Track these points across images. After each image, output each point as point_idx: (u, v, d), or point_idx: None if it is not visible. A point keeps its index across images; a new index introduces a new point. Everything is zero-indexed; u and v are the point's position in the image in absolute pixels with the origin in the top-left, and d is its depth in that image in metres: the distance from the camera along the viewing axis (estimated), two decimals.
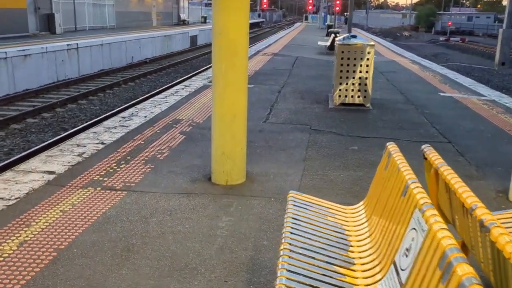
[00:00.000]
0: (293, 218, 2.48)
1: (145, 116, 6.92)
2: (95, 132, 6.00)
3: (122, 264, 2.94)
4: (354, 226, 2.59)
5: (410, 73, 13.23)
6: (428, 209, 1.82)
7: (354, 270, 2.17)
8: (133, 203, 3.89)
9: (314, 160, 5.16)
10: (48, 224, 3.46)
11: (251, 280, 2.81)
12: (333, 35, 18.94)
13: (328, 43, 19.00)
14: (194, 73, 17.08)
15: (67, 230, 3.37)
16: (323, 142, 5.88)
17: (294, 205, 2.64)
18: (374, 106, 8.10)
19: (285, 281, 1.95)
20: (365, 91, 7.91)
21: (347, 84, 7.90)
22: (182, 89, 9.46)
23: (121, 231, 3.39)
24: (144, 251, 3.12)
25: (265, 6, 64.82)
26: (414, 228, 1.88)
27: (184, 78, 15.79)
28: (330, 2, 49.00)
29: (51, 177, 4.40)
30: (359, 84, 7.87)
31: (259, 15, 72.90)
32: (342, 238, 2.44)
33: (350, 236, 2.49)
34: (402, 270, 1.85)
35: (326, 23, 37.96)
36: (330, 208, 2.76)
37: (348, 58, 7.78)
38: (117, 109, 10.90)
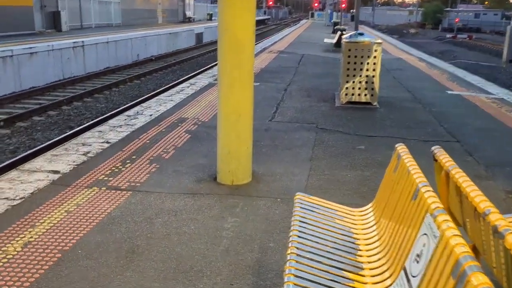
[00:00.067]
0: (300, 221, 2.43)
1: (151, 115, 6.89)
2: (101, 131, 5.97)
3: (127, 266, 2.91)
4: (363, 229, 2.54)
5: (417, 70, 13.13)
6: (440, 214, 1.77)
7: (363, 275, 2.12)
8: (138, 203, 3.86)
9: (320, 159, 5.11)
10: (52, 224, 3.44)
11: (257, 283, 2.77)
12: (339, 32, 18.84)
13: (335, 41, 18.90)
14: (200, 70, 17.04)
15: (72, 231, 3.35)
16: (329, 141, 5.82)
17: (301, 207, 2.59)
18: (381, 104, 8.03)
19: (292, 287, 1.91)
20: (372, 89, 7.84)
21: (354, 82, 7.83)
22: (188, 87, 9.42)
23: (126, 232, 3.35)
24: (149, 252, 3.09)
25: (271, 3, 64.68)
26: (426, 234, 1.83)
27: (189, 76, 15.76)
28: None
29: (56, 176, 4.38)
30: (366, 82, 7.80)
31: (264, 12, 72.76)
32: (350, 242, 2.39)
33: (359, 239, 2.44)
34: (413, 276, 1.80)
35: (332, 20, 37.81)
36: (337, 210, 2.72)
37: (355, 56, 7.71)
38: (123, 107, 10.88)
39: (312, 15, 63.31)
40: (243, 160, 4.32)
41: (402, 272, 1.93)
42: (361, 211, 2.77)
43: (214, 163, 4.61)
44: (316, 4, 62.26)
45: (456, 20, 58.52)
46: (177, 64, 19.88)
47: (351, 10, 57.68)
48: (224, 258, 3.02)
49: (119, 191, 4.08)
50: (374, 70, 7.73)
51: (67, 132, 8.88)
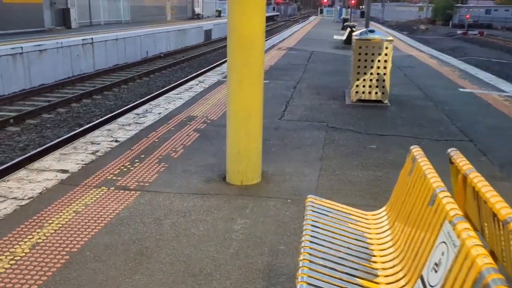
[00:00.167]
0: (312, 226, 2.37)
1: (159, 113, 6.86)
2: (109, 130, 5.94)
3: (136, 269, 2.87)
4: (376, 233, 2.47)
5: (428, 68, 12.97)
6: (459, 222, 1.70)
7: (377, 283, 2.06)
8: (147, 203, 3.82)
9: (331, 159, 5.04)
10: (61, 225, 3.40)
11: None
12: (349, 29, 18.69)
13: (344, 37, 18.75)
14: (209, 68, 17.01)
15: (80, 232, 3.31)
16: (340, 140, 5.74)
17: (313, 211, 2.53)
18: (392, 102, 7.92)
19: None
20: (383, 87, 7.74)
21: (364, 80, 7.73)
22: (197, 84, 9.38)
23: (135, 234, 3.31)
24: (158, 255, 3.04)
25: None
26: (444, 242, 1.76)
27: (198, 73, 15.72)
28: None
29: (65, 176, 4.35)
30: (377, 80, 7.70)
31: (273, 9, 72.55)
32: (364, 247, 2.33)
33: (372, 244, 2.38)
34: (431, 286, 1.73)
35: (341, 17, 37.58)
36: (350, 214, 2.65)
37: (366, 54, 7.61)
38: (132, 105, 10.87)
39: (321, 12, 63.02)
40: (252, 160, 4.26)
41: (419, 281, 1.86)
42: (374, 215, 2.70)
43: (223, 162, 4.56)
44: (325, 1, 61.93)
45: (467, 16, 57.89)
46: (186, 61, 19.85)
47: (361, 7, 57.29)
48: (234, 261, 2.97)
49: (128, 191, 4.04)
50: (385, 67, 7.63)
51: (76, 130, 8.88)
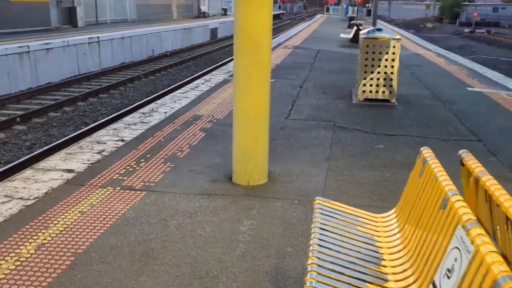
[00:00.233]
0: (320, 229, 2.33)
1: (165, 112, 6.83)
2: (115, 129, 5.92)
3: (141, 271, 2.84)
4: (386, 237, 2.43)
5: (436, 66, 12.87)
6: (473, 228, 1.65)
7: None
8: (153, 204, 3.79)
9: (338, 159, 4.99)
10: (66, 226, 3.38)
11: None
12: (355, 27, 18.58)
13: (351, 36, 18.66)
14: (214, 66, 16.97)
15: (85, 233, 3.29)
16: (347, 140, 5.69)
17: (321, 213, 2.49)
18: (400, 101, 7.85)
19: None
20: (391, 86, 7.67)
21: (371, 79, 7.67)
22: (203, 83, 9.35)
23: (140, 235, 3.29)
24: (163, 256, 3.01)
25: None
26: (457, 247, 1.71)
27: (204, 71, 15.69)
28: None
29: (70, 175, 4.33)
30: (384, 79, 7.64)
31: (279, 7, 72.38)
32: (373, 251, 2.28)
33: (382, 248, 2.33)
34: None
35: (347, 15, 37.42)
36: (359, 216, 2.61)
37: (373, 52, 7.55)
38: (137, 104, 10.86)
39: (327, 10, 62.81)
40: (259, 160, 4.22)
41: (431, 287, 1.82)
42: (383, 217, 2.65)
43: (230, 162, 4.53)
44: None
45: (475, 14, 57.48)
46: (191, 59, 19.83)
47: (367, 5, 57.04)
48: (241, 264, 2.93)
49: (134, 191, 4.02)
50: (392, 66, 7.56)
51: (82, 129, 8.88)
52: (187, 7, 38.56)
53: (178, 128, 6.02)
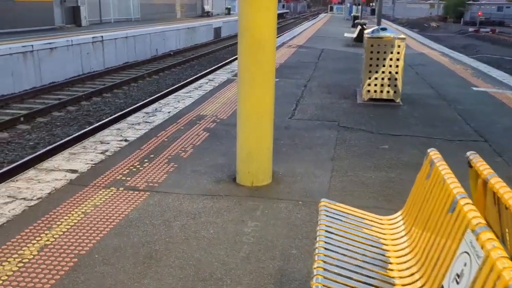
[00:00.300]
0: (326, 231, 2.30)
1: (169, 112, 6.81)
2: (119, 129, 5.91)
3: (145, 273, 2.82)
4: (392, 239, 2.40)
5: (440, 66, 12.80)
6: (483, 232, 1.62)
7: None
8: (156, 204, 3.76)
9: (343, 159, 4.95)
10: (69, 227, 3.36)
11: None
12: (359, 26, 18.52)
13: (355, 35, 18.59)
14: (218, 65, 16.95)
15: (89, 234, 3.27)
16: (352, 140, 5.65)
17: (327, 215, 2.46)
18: (404, 101, 7.81)
19: None
20: (395, 86, 7.63)
21: (376, 78, 7.62)
22: (206, 83, 9.32)
23: (144, 236, 3.26)
24: (167, 258, 2.99)
25: None
26: (466, 252, 1.68)
27: (208, 71, 15.67)
28: None
29: (74, 176, 4.31)
30: (389, 78, 7.59)
31: (283, 6, 72.26)
32: (380, 254, 2.25)
33: (389, 251, 2.30)
34: None
35: (351, 14, 37.31)
36: (365, 218, 2.57)
37: (378, 52, 7.50)
38: (141, 103, 10.84)
39: (331, 9, 62.68)
40: (263, 160, 4.19)
41: None
42: (390, 219, 2.62)
43: (233, 163, 4.50)
44: None
45: (480, 13, 57.22)
46: (195, 59, 19.82)
47: (371, 4, 56.88)
48: (245, 266, 2.90)
49: (137, 192, 4.00)
50: (397, 66, 7.51)
51: (86, 128, 8.87)
52: (191, 7, 38.54)
53: (182, 128, 5.99)
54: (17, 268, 2.84)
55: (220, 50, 23.37)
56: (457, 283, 1.66)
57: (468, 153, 2.56)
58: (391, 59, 7.49)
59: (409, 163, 4.83)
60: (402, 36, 7.55)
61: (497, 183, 2.15)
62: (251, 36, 3.88)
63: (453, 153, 4.92)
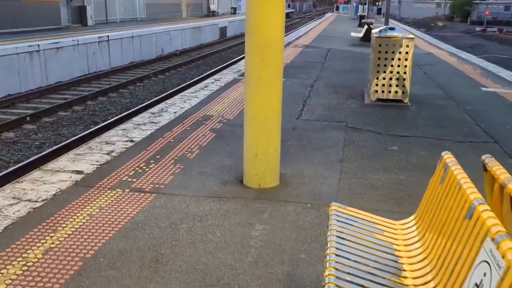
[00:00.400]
0: (337, 237, 2.23)
1: (175, 112, 6.76)
2: (125, 129, 5.86)
3: (151, 278, 2.76)
4: (405, 245, 2.33)
5: (449, 66, 12.69)
6: (503, 241, 1.55)
7: None
8: (162, 207, 3.71)
9: (351, 161, 4.88)
10: (74, 229, 3.32)
11: None
12: (366, 26, 18.41)
13: (361, 35, 18.49)
14: (224, 65, 16.89)
15: (94, 237, 3.22)
16: (360, 141, 5.58)
17: (337, 220, 2.39)
18: (413, 101, 7.72)
19: None
20: (403, 86, 7.54)
21: (384, 78, 7.54)
22: (212, 83, 9.27)
23: (150, 239, 3.21)
24: (173, 262, 2.93)
25: None
26: (486, 261, 1.61)
27: (213, 70, 15.62)
28: None
29: (79, 177, 4.27)
30: (397, 79, 7.50)
31: (289, 6, 72.13)
32: (392, 260, 2.18)
33: (402, 257, 2.23)
34: None
35: (358, 14, 37.16)
36: (377, 223, 2.50)
37: (386, 52, 7.41)
38: (147, 103, 10.81)
39: (337, 8, 62.54)
40: (271, 162, 4.13)
41: None
42: (402, 224, 2.55)
43: (240, 164, 4.44)
44: None
45: (487, 13, 56.84)
46: (201, 58, 19.78)
47: (377, 3, 56.66)
48: (253, 271, 2.84)
49: (143, 193, 3.95)
50: (405, 66, 7.42)
51: (91, 128, 8.84)
52: (197, 6, 38.53)
53: (188, 128, 5.94)
54: (22, 271, 2.79)
55: (225, 50, 23.32)
56: None
57: (483, 157, 2.49)
58: (399, 59, 7.41)
59: (418, 165, 4.75)
60: (411, 35, 7.46)
61: None
62: (259, 35, 3.82)
63: (463, 155, 4.85)
